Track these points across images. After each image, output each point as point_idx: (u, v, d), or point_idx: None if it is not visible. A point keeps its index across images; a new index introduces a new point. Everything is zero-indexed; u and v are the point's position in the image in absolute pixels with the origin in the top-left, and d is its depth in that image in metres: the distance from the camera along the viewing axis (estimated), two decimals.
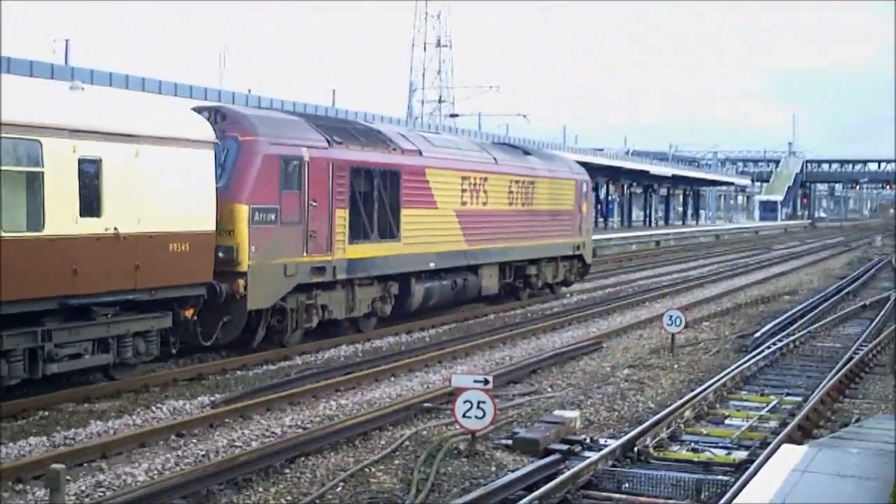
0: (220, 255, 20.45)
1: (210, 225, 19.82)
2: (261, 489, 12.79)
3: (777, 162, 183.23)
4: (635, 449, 14.51)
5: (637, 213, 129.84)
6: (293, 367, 21.35)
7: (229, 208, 20.65)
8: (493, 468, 13.89)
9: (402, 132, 28.96)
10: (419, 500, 12.45)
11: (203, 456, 14.32)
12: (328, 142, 23.62)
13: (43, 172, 16.25)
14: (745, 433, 16.09)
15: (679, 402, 17.33)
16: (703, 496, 12.92)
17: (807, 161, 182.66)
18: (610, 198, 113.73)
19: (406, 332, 26.53)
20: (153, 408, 17.19)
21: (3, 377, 15.95)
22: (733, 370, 20.57)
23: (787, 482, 10.85)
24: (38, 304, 16.44)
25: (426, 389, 19.16)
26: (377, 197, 25.31)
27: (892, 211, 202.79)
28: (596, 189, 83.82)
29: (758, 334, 26.29)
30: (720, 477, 13.50)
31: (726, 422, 17.07)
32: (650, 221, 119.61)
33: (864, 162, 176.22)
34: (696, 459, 14.54)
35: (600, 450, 14.33)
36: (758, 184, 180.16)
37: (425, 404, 17.30)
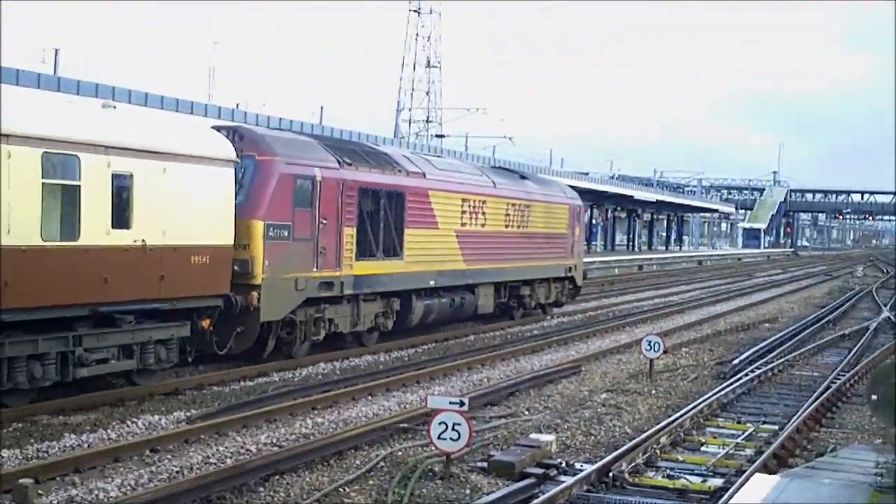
0: (236, 268, 21.25)
1: (229, 239, 20.69)
2: None
3: (761, 190, 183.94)
4: (611, 474, 14.49)
5: (620, 238, 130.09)
6: (270, 384, 21.28)
7: (245, 224, 21.49)
8: (468, 491, 13.86)
9: (407, 154, 29.92)
10: None
11: (177, 472, 14.23)
12: (339, 163, 24.57)
13: (80, 186, 17.16)
14: (721, 461, 16.08)
15: (655, 428, 17.33)
16: None
17: (791, 190, 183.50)
18: (594, 222, 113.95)
19: (385, 351, 26.49)
20: (128, 422, 17.09)
21: (37, 379, 16.88)
22: (710, 397, 20.59)
23: None
24: (71, 310, 17.27)
25: (403, 410, 19.12)
26: (383, 216, 26.23)
27: (874, 241, 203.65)
28: None
29: (736, 361, 26.34)
30: None
31: (702, 449, 17.07)
32: (633, 246, 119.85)
33: (848, 192, 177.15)
34: (671, 486, 14.53)
35: (576, 474, 14.32)
36: (742, 211, 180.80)
37: (401, 425, 17.26)
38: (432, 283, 28.76)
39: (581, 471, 14.50)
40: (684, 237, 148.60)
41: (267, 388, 20.68)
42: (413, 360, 25.42)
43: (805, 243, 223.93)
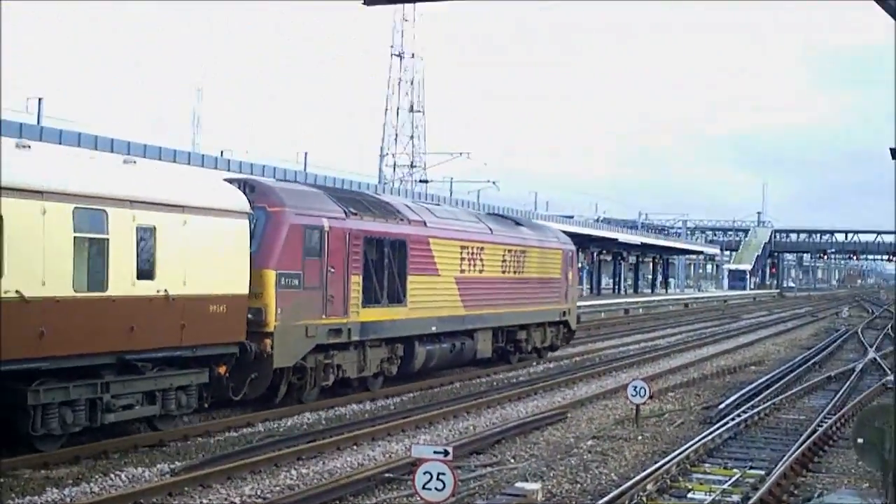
0: (250, 316, 21.89)
1: (244, 288, 21.47)
2: None
3: (746, 231, 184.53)
4: None
5: (606, 281, 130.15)
6: (255, 434, 21.18)
7: (258, 273, 22.18)
8: None
9: (408, 203, 31.06)
10: None
11: None
12: (345, 213, 25.45)
13: (108, 239, 18.10)
14: None
15: (642, 475, 17.24)
16: None
17: (775, 231, 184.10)
18: (579, 265, 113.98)
19: (370, 399, 26.40)
20: (111, 475, 16.95)
21: (68, 424, 17.65)
22: (697, 442, 20.51)
23: None
24: (99, 358, 18.18)
25: (388, 459, 19.00)
26: (387, 264, 27.08)
27: (859, 281, 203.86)
28: None
29: (722, 406, 26.28)
30: None
31: (689, 495, 16.99)
32: (619, 289, 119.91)
33: (832, 232, 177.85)
34: None
35: None
36: (727, 252, 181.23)
37: (386, 475, 17.17)
38: (434, 328, 29.48)
39: None
40: (670, 279, 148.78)
41: (252, 439, 20.58)
42: (398, 409, 25.31)
43: (791, 284, 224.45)
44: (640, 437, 22.35)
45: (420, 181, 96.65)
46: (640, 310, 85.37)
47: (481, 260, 32.33)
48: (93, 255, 17.92)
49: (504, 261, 34.04)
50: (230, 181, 23.32)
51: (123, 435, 19.55)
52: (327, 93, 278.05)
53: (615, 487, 16.69)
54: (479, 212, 43.38)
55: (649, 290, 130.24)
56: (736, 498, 16.65)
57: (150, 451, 19.06)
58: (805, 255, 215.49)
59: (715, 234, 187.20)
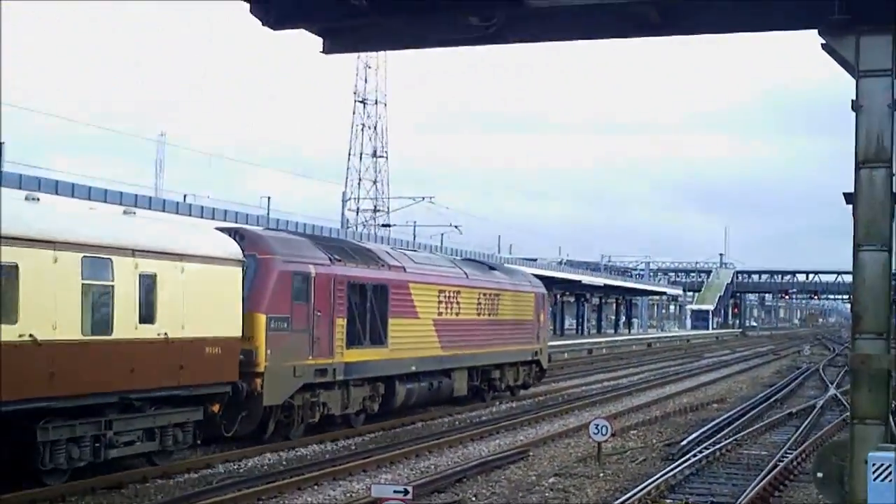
0: (241, 357, 22.90)
1: (237, 331, 22.62)
2: None
3: (708, 272, 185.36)
4: None
5: (570, 322, 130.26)
6: (215, 476, 21.01)
7: (249, 316, 23.26)
8: None
9: (388, 250, 32.71)
10: None
11: None
12: (330, 259, 26.78)
13: (113, 286, 19.25)
14: None
15: None
16: None
17: (737, 272, 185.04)
18: None
19: (331, 440, 26.27)
20: None
21: (74, 460, 18.59)
22: (659, 478, 20.52)
23: None
24: (104, 397, 19.18)
25: (349, 498, 18.89)
26: (369, 307, 28.36)
27: (820, 320, 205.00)
28: None
29: (684, 442, 26.30)
30: None
31: None
32: (582, 330, 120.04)
33: (793, 273, 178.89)
34: None
35: None
36: (690, 293, 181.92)
37: None
38: (413, 368, 30.82)
39: None
40: (633, 320, 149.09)
41: (211, 480, 20.42)
42: (360, 448, 25.19)
43: (753, 323, 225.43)
44: (601, 475, 22.32)
45: (383, 225, 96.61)
46: (604, 349, 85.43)
47: (458, 303, 33.85)
48: (99, 301, 19.05)
49: (479, 304, 35.57)
50: (221, 230, 24.46)
51: (121, 470, 20.23)
52: (289, 135, 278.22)
53: None
54: (455, 257, 45.30)
55: (612, 331, 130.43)
56: None
57: (109, 493, 18.87)
58: (767, 294, 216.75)
59: (678, 276, 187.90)
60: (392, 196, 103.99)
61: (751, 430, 29.64)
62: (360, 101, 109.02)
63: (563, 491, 20.21)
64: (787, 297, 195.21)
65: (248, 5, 14.18)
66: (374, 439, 27.04)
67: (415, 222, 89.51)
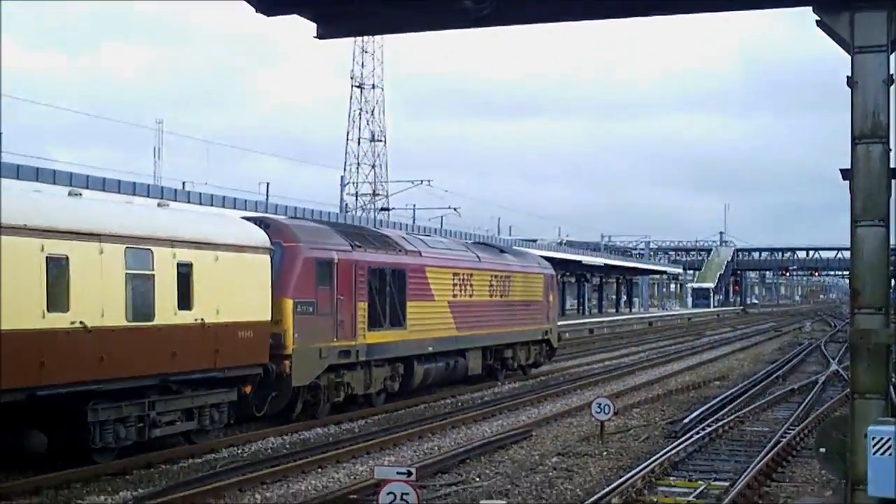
0: (271, 340, 24.01)
1: (267, 315, 23.81)
2: None
3: (709, 251, 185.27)
4: None
5: (571, 302, 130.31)
6: (219, 460, 21.08)
7: (277, 301, 24.42)
8: None
9: (404, 236, 34.31)
10: None
11: None
12: (351, 246, 28.08)
13: (154, 274, 20.48)
14: None
15: (607, 490, 17.30)
16: None
17: (738, 249, 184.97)
18: None
19: (335, 423, 26.35)
20: None
21: (121, 439, 19.89)
22: (662, 456, 20.59)
23: None
24: (147, 380, 20.41)
25: (353, 481, 18.95)
26: (388, 291, 29.71)
27: (821, 296, 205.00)
28: None
29: (687, 420, 26.38)
30: None
31: None
32: (584, 310, 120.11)
33: (794, 250, 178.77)
34: None
35: None
36: (690, 271, 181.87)
37: (351, 496, 17.12)
38: (430, 348, 32.15)
39: None
40: (634, 299, 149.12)
41: (215, 465, 20.47)
42: (363, 431, 25.27)
43: (754, 301, 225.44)
44: (604, 453, 22.38)
45: (381, 209, 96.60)
46: (605, 329, 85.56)
47: (471, 285, 35.27)
48: (141, 289, 20.28)
49: (491, 286, 36.99)
50: (247, 219, 25.72)
51: (163, 448, 21.53)
52: (287, 121, 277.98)
53: (580, 502, 16.71)
54: (467, 241, 47.02)
55: (614, 310, 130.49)
56: None
57: (113, 479, 18.93)
58: (767, 272, 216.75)
59: (678, 254, 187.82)
60: (391, 180, 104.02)
61: (753, 406, 29.71)
62: (358, 86, 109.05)
63: (566, 470, 20.27)
64: (787, 274, 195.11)
65: None
66: (376, 422, 27.10)
67: (414, 205, 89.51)
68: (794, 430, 24.38)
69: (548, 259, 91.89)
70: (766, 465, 20.04)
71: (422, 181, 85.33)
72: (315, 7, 14.70)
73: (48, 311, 18.09)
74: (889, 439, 11.49)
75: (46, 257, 18.12)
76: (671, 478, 19.58)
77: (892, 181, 13.01)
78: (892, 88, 12.93)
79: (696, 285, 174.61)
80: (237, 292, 22.78)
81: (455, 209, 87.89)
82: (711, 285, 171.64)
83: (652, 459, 20.26)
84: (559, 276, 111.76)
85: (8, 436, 18.58)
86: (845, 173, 13.16)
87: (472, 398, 32.96)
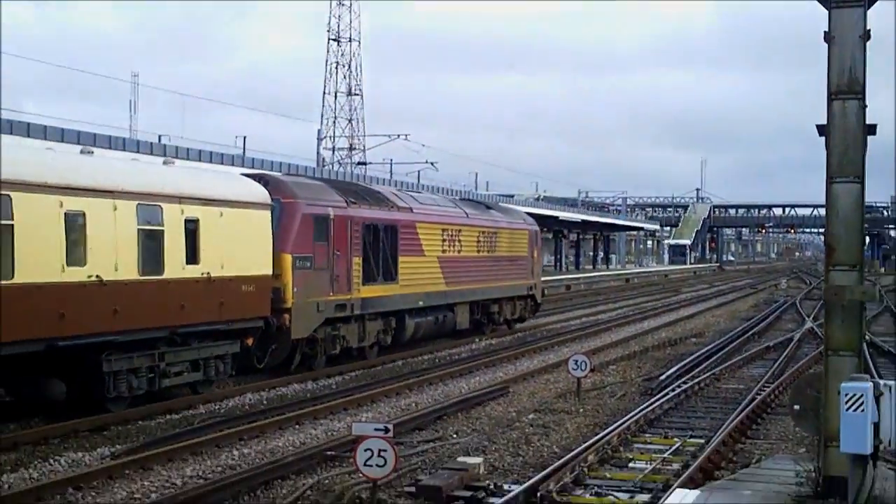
0: (271, 294, 24.78)
1: (269, 270, 24.64)
2: None
3: (685, 207, 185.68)
4: (538, 494, 14.49)
5: (548, 259, 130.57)
6: (196, 417, 21.10)
7: (276, 256, 25.08)
8: None
9: (396, 192, 35.01)
10: None
11: None
12: (346, 202, 28.59)
13: (163, 230, 21.26)
14: (649, 476, 16.14)
15: (583, 446, 17.38)
16: None
17: (714, 206, 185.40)
18: None
19: (312, 379, 26.39)
20: (51, 460, 16.85)
21: (133, 388, 20.74)
22: (638, 413, 20.70)
23: None
24: (158, 331, 21.30)
25: (330, 437, 19.01)
26: (381, 247, 30.38)
27: (797, 254, 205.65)
28: None
29: (663, 377, 26.53)
30: None
31: (630, 465, 17.13)
32: (560, 266, 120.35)
33: (769, 207, 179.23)
34: None
35: (503, 495, 14.32)
36: (667, 228, 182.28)
37: (328, 452, 17.17)
38: (421, 303, 32.94)
39: (509, 492, 14.51)
40: (611, 255, 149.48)
41: (193, 421, 20.49)
42: (340, 388, 25.32)
43: (730, 258, 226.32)
44: (581, 410, 22.49)
45: (358, 163, 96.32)
46: (582, 286, 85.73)
47: (459, 241, 36.06)
48: (152, 244, 21.01)
49: (479, 241, 37.77)
50: (247, 176, 26.54)
51: (171, 398, 22.52)
52: (262, 74, 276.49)
53: (557, 459, 16.80)
54: (455, 197, 47.30)
55: (590, 267, 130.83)
56: (676, 466, 16.80)
57: (91, 436, 18.92)
58: (744, 229, 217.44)
59: (655, 211, 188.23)
60: (367, 134, 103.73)
61: (728, 364, 29.87)
62: (334, 39, 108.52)
63: (542, 427, 20.37)
64: (763, 231, 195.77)
65: None
66: (354, 378, 27.15)
67: (391, 160, 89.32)
68: (769, 387, 24.53)
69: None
70: (741, 423, 20.18)
71: (399, 136, 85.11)
72: None
73: (67, 265, 18.90)
74: (862, 396, 11.56)
75: (65, 213, 18.87)
76: (647, 435, 19.70)
77: (868, 137, 13.03)
78: (868, 44, 12.94)
79: (672, 242, 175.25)
80: (240, 247, 23.54)
81: (432, 164, 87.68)
82: (688, 242, 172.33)
83: (628, 416, 20.37)
84: None
85: (30, 384, 19.98)
86: (821, 129, 13.17)
87: (448, 354, 33.04)
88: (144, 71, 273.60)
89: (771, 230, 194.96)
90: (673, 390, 24.08)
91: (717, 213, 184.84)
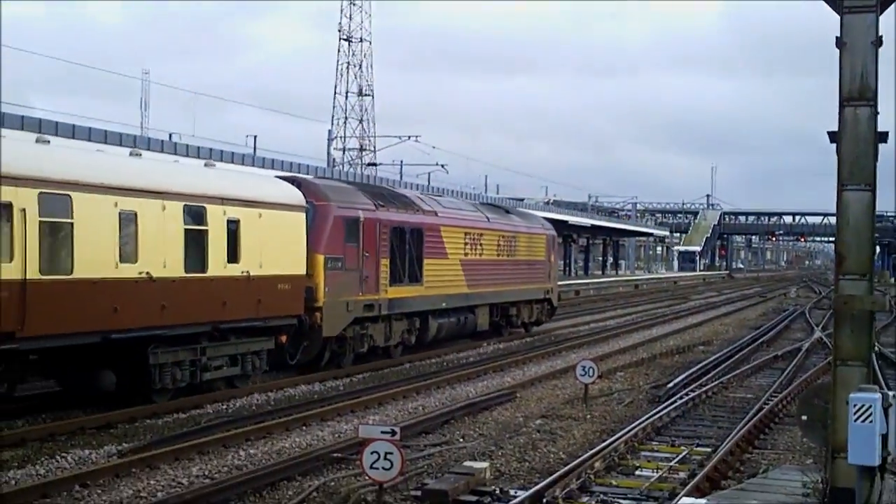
0: (304, 293, 25.65)
1: (303, 269, 25.65)
2: None
3: (695, 213, 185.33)
4: (544, 500, 14.48)
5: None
6: (203, 416, 21.12)
7: (309, 257, 26.02)
8: None
9: (421, 196, 36.28)
10: None
11: None
12: (375, 206, 29.71)
13: (207, 230, 22.28)
14: (655, 484, 16.11)
15: (590, 453, 17.36)
16: None
17: (724, 213, 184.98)
18: None
19: (319, 380, 26.41)
20: (58, 457, 16.90)
21: (177, 380, 21.75)
22: (645, 421, 20.66)
23: None
24: (200, 327, 22.33)
25: (337, 439, 19.02)
26: (407, 249, 31.37)
27: (807, 262, 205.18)
28: None
29: (671, 385, 26.45)
30: None
31: (636, 473, 17.11)
32: (570, 271, 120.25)
33: (780, 214, 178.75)
34: None
35: (509, 501, 14.31)
36: (676, 234, 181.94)
37: (334, 454, 17.17)
38: (444, 304, 33.95)
39: (514, 497, 14.49)
40: (620, 261, 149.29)
41: (200, 420, 20.52)
42: (348, 390, 25.33)
43: (740, 265, 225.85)
44: (588, 417, 22.47)
45: (369, 164, 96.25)
46: (591, 291, 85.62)
47: (481, 245, 37.05)
48: (197, 243, 22.03)
49: (499, 245, 38.77)
50: (280, 178, 27.56)
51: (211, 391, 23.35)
52: (275, 76, 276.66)
53: (563, 465, 16.77)
54: (476, 202, 49.09)
55: (600, 272, 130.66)
56: (683, 475, 16.77)
57: (98, 433, 18.97)
58: (754, 236, 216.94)
59: (664, 217, 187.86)
60: (378, 135, 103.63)
61: (737, 372, 29.80)
62: (345, 39, 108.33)
63: (549, 433, 20.34)
64: (773, 238, 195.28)
65: None
66: (362, 381, 27.17)
67: (401, 161, 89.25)
68: (776, 397, 24.47)
69: None
70: (749, 432, 20.12)
71: (409, 137, 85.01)
72: None
73: (120, 262, 19.98)
74: (870, 407, 11.52)
75: (119, 213, 19.94)
76: (654, 442, 19.65)
77: (879, 145, 12.96)
78: (880, 50, 12.87)
79: (682, 248, 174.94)
80: (277, 247, 24.52)
81: (442, 166, 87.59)
82: (698, 248, 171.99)
83: (635, 424, 20.33)
84: None
85: (85, 376, 20.87)
86: (832, 136, 13.09)
87: (456, 358, 33.08)
88: (155, 69, 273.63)
89: (781, 238, 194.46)
90: (681, 398, 24.02)
91: (727, 219, 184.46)
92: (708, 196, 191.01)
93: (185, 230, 21.64)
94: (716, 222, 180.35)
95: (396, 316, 31.02)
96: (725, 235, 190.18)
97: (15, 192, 17.76)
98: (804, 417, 14.53)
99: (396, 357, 31.37)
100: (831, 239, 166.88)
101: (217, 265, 22.58)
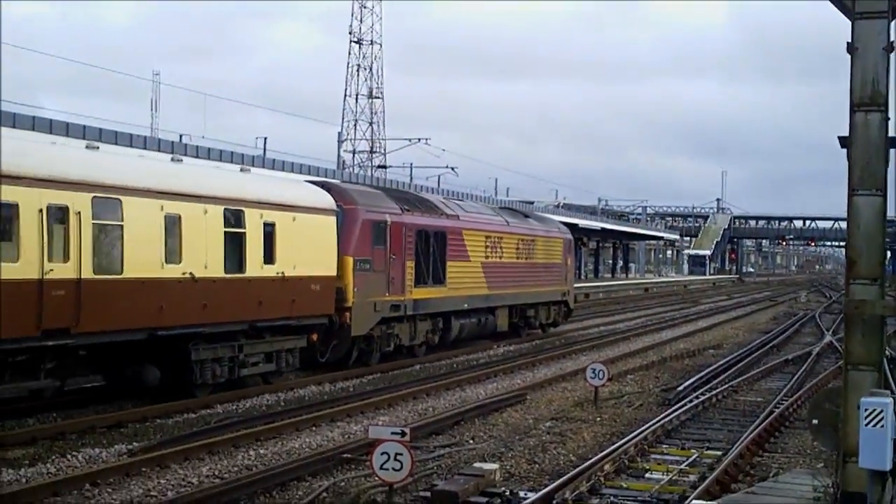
0: (335, 293, 26.61)
1: (333, 271, 26.66)
2: None
3: (705, 217, 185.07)
4: (554, 502, 14.47)
5: None
6: (213, 416, 21.15)
7: (339, 259, 26.92)
8: None
9: (444, 200, 37.23)
10: None
11: None
12: (401, 209, 30.76)
13: (245, 233, 23.34)
14: (665, 487, 16.08)
15: (600, 456, 17.34)
16: None
17: (734, 217, 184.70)
18: None
19: (329, 381, 26.43)
20: (68, 455, 16.94)
21: (216, 376, 22.75)
22: (655, 424, 20.63)
23: None
24: (238, 325, 23.42)
25: (347, 440, 19.02)
26: (431, 252, 32.38)
27: (817, 267, 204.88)
28: None
29: (681, 388, 26.42)
30: None
31: (646, 476, 17.06)
32: (580, 274, 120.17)
33: (790, 219, 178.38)
34: None
35: (519, 503, 14.28)
36: (687, 238, 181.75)
37: (344, 455, 17.17)
38: (466, 305, 34.99)
39: (525, 499, 14.48)
40: (630, 264, 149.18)
41: (210, 420, 20.54)
42: (358, 391, 25.35)
43: (750, 269, 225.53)
44: (598, 419, 22.44)
45: (379, 167, 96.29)
46: (601, 294, 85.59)
47: (501, 248, 38.01)
48: (235, 245, 23.08)
49: (518, 248, 39.76)
50: (311, 183, 28.35)
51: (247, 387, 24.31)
52: (285, 77, 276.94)
53: (573, 467, 16.76)
54: (495, 206, 50.34)
55: (610, 275, 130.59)
56: (693, 478, 16.73)
57: (108, 432, 19.01)
58: (764, 241, 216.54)
59: (675, 220, 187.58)
60: (388, 137, 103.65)
61: (747, 376, 29.75)
62: (356, 42, 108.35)
63: (559, 435, 20.32)
64: (784, 243, 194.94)
65: None
66: (371, 381, 27.19)
67: (411, 164, 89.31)
68: (787, 400, 24.42)
69: None
70: (759, 436, 20.07)
71: (419, 139, 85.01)
72: None
73: (165, 262, 21.03)
74: (882, 411, 11.49)
75: (165, 216, 20.96)
76: (664, 445, 19.62)
77: (891, 150, 12.93)
78: (892, 56, 12.84)
79: (692, 252, 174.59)
80: (310, 249, 25.51)
81: (452, 169, 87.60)
82: (708, 252, 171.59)
83: (645, 426, 20.30)
84: None
85: (132, 371, 21.57)
86: (843, 141, 13.07)
87: (466, 360, 33.08)
88: (165, 69, 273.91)
89: (791, 243, 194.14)
90: (690, 401, 23.99)
91: (737, 224, 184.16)
92: (718, 200, 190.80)
93: (225, 233, 22.64)
94: (726, 226, 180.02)
95: (421, 316, 31.99)
96: (735, 239, 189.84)
97: (72, 196, 18.77)
98: (815, 421, 14.50)
99: (421, 356, 32.31)
100: (842, 243, 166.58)
101: (254, 266, 23.58)
